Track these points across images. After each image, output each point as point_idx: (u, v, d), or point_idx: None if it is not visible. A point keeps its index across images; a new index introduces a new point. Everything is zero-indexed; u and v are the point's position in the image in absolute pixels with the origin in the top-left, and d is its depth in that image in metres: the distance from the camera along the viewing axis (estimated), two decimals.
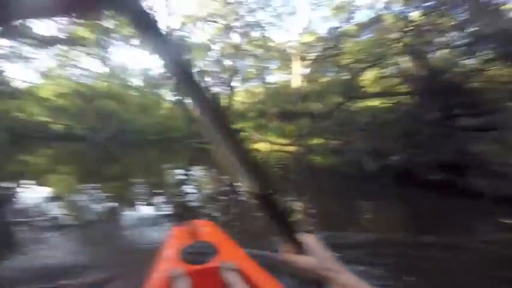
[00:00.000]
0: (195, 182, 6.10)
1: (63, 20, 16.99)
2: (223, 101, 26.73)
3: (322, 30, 21.90)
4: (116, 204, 4.17)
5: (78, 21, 17.66)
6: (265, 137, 13.41)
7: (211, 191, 5.18)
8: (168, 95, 28.09)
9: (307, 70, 19.85)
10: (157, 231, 2.88)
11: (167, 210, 3.72)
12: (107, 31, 20.80)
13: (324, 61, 15.30)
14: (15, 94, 18.60)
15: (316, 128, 10.73)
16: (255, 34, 24.85)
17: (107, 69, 24.73)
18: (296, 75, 19.40)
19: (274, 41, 25.57)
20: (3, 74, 16.76)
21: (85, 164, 9.73)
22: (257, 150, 11.78)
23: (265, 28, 24.50)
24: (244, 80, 26.57)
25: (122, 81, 26.68)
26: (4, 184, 5.68)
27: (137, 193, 4.89)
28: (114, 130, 23.09)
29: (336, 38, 14.49)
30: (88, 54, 23.06)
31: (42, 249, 2.36)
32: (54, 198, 4.22)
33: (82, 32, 19.69)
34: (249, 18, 23.91)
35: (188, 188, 5.25)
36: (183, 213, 3.52)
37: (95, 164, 9.83)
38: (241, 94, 28.05)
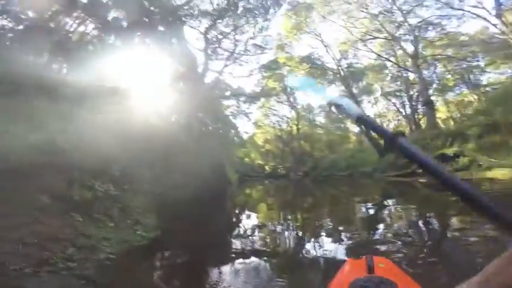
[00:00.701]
0: (385, 217, 5.17)
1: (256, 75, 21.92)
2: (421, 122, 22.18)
3: None
4: (304, 234, 4.32)
5: (265, 74, 22.49)
6: (502, 161, 9.10)
7: (401, 227, 4.16)
8: (353, 127, 27.69)
9: None
10: (335, 263, 2.68)
11: (350, 243, 3.44)
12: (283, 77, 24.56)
13: None
14: (243, 143, 25.97)
15: None
16: (431, 34, 19.71)
17: (294, 113, 29.04)
18: None
19: (466, 34, 18.96)
20: (238, 129, 23.94)
21: (285, 197, 11.36)
22: (492, 180, 7.99)
23: (440, 24, 18.87)
24: (442, 90, 21.03)
25: (309, 122, 30.07)
26: (237, 210, 7.77)
27: (324, 226, 4.83)
28: (306, 168, 26.21)
29: None
30: (279, 102, 28.45)
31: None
32: (260, 226, 5.05)
33: (271, 83, 24.78)
34: (412, 21, 19.50)
35: (376, 223, 4.52)
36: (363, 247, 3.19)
37: (292, 197, 11.23)
38: (443, 109, 22.18)
